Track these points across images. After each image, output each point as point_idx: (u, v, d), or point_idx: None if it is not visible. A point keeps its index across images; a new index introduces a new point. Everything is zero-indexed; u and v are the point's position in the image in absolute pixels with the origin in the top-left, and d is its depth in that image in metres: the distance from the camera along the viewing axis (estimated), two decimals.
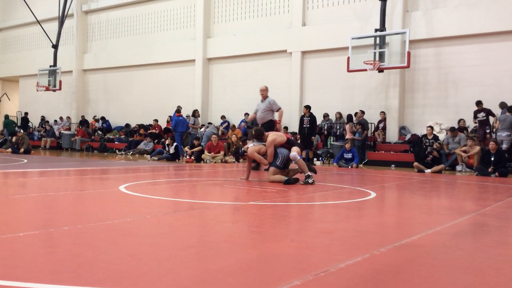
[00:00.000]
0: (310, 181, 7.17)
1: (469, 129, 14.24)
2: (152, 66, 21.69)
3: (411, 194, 6.69)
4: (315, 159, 14.84)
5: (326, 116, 16.71)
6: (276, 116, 10.39)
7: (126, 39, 22.86)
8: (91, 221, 3.62)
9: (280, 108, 10.37)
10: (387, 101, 15.77)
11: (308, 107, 14.57)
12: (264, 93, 10.44)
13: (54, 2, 23.44)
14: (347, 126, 15.19)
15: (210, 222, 3.92)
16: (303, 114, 14.82)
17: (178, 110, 17.01)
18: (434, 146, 11.97)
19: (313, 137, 14.97)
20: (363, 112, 15.58)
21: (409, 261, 2.69)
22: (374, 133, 15.85)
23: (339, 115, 16.40)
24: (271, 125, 10.06)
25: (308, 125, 14.34)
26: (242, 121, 18.06)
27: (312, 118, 14.49)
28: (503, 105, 13.09)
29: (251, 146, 7.84)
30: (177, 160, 15.19)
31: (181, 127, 15.88)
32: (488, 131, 13.40)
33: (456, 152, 12.96)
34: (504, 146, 12.44)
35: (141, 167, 10.83)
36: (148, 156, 16.84)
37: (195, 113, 18.08)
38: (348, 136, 14.80)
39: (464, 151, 12.79)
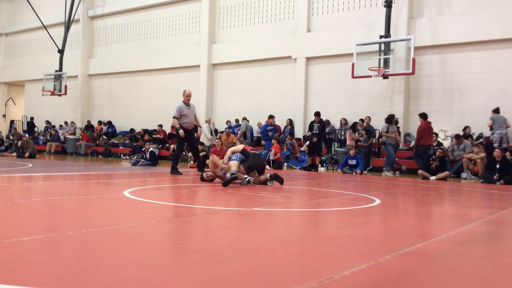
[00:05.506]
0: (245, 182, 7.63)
1: (474, 136, 14.19)
2: (157, 71, 21.78)
3: (416, 201, 6.66)
4: (319, 165, 14.78)
5: (329, 122, 16.65)
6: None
7: (132, 45, 22.96)
8: (95, 226, 3.62)
9: None
10: (392, 107, 15.73)
11: (318, 114, 14.47)
12: None
13: (60, 7, 23.63)
14: (348, 133, 15.11)
15: (213, 228, 3.91)
16: (313, 120, 14.68)
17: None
18: (437, 154, 11.91)
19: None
20: (369, 119, 15.53)
21: (414, 268, 2.68)
22: (379, 140, 15.80)
23: (345, 121, 16.35)
24: None
25: (317, 131, 14.25)
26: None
27: (322, 124, 14.44)
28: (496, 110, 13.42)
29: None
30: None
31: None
32: None
33: (464, 156, 12.96)
34: (504, 145, 12.65)
35: (145, 172, 10.84)
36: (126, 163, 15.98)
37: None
38: (348, 142, 14.73)
39: (470, 159, 12.83)
